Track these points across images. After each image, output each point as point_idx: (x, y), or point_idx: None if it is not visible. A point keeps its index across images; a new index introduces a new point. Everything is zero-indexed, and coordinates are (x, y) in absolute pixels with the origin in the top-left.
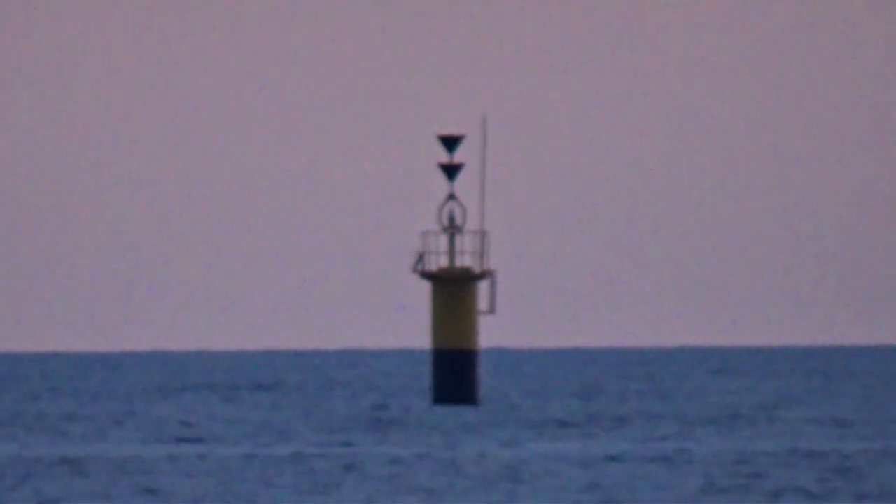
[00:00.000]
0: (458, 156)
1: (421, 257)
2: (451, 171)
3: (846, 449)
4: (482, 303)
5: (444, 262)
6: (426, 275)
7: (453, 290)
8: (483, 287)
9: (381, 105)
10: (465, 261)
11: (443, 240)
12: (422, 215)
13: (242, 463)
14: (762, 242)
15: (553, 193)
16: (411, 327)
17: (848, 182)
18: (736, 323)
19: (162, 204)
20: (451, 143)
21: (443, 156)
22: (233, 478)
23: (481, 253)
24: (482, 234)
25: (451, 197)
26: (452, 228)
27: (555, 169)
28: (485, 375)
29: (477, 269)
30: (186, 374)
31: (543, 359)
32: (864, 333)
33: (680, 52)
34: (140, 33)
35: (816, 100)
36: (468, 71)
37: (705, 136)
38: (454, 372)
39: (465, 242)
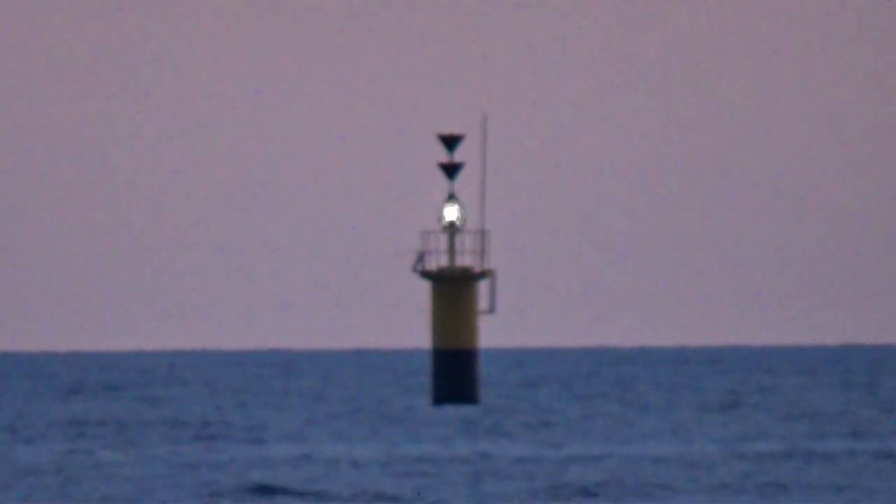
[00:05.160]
0: (458, 155)
1: (421, 257)
2: (451, 170)
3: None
4: (482, 302)
5: (444, 261)
6: (426, 274)
7: (453, 289)
8: (483, 287)
9: (382, 105)
10: (465, 260)
11: (443, 240)
12: (422, 215)
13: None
14: (763, 242)
15: (553, 193)
16: (411, 327)
17: (847, 182)
18: (736, 323)
19: (161, 204)
20: (451, 142)
21: (443, 155)
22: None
23: (481, 253)
24: (482, 234)
25: (451, 197)
26: (452, 228)
27: (555, 169)
28: (485, 375)
29: (477, 269)
30: (186, 374)
31: (543, 359)
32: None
33: (680, 51)
34: (139, 31)
35: (817, 100)
36: (468, 71)
37: (706, 136)
38: (454, 371)
39: (465, 242)
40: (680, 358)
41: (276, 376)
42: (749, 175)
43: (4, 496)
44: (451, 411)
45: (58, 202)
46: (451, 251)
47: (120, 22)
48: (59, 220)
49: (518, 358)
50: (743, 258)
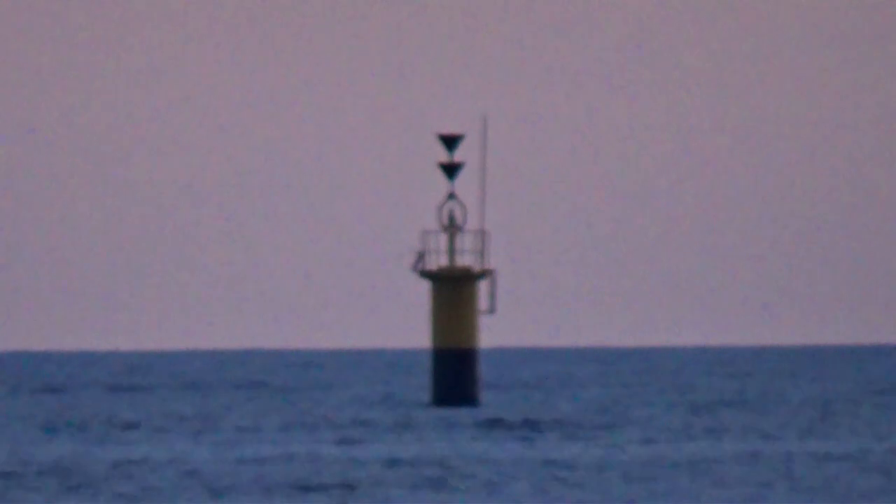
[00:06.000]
0: (458, 155)
1: (421, 257)
2: (451, 170)
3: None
4: (482, 302)
5: (444, 261)
6: (426, 274)
7: (453, 289)
8: (483, 286)
9: (381, 105)
10: (465, 260)
11: (443, 239)
12: (422, 215)
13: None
14: (762, 242)
15: (553, 193)
16: (411, 327)
17: (848, 182)
18: (736, 323)
19: (161, 204)
20: (451, 142)
21: (443, 155)
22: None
23: (481, 252)
24: (482, 234)
25: (451, 196)
26: (452, 228)
27: (555, 169)
28: (485, 375)
29: (477, 269)
30: (183, 374)
31: (543, 358)
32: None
33: (680, 52)
34: (140, 31)
35: (816, 100)
36: (468, 71)
37: (706, 136)
38: (454, 371)
39: (465, 242)
40: (679, 358)
41: (275, 375)
42: (750, 176)
43: (12, 494)
44: (451, 411)
45: (58, 203)
46: (451, 251)
47: (121, 21)
48: (60, 220)
49: (518, 358)
50: (744, 258)
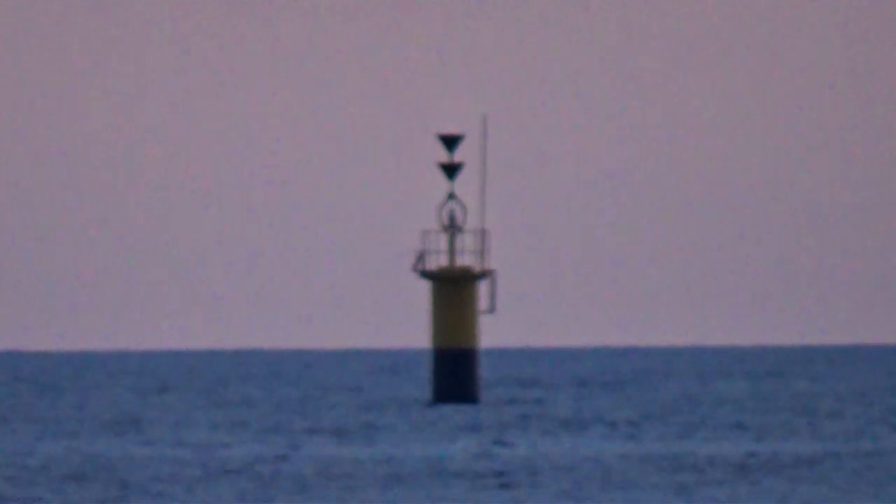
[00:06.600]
0: (458, 155)
1: (421, 257)
2: (451, 170)
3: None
4: (482, 302)
5: (444, 261)
6: (426, 274)
7: (453, 289)
8: (483, 286)
9: (381, 105)
10: (465, 260)
11: (443, 239)
12: (422, 215)
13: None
14: (762, 243)
15: (553, 193)
16: (411, 327)
17: (848, 182)
18: (736, 323)
19: (161, 204)
20: (451, 142)
21: (443, 155)
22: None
23: (481, 252)
24: (482, 234)
25: (451, 196)
26: (452, 228)
27: (555, 169)
28: (485, 375)
29: (477, 269)
30: (182, 374)
31: (543, 358)
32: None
33: (680, 52)
34: (141, 31)
35: (817, 100)
36: (468, 71)
37: (706, 136)
38: (454, 371)
39: (465, 242)
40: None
41: (276, 375)
42: (749, 176)
43: (27, 492)
44: (451, 411)
45: (59, 203)
46: (451, 251)
47: (122, 21)
48: (62, 220)
49: (518, 358)
50: (744, 258)
